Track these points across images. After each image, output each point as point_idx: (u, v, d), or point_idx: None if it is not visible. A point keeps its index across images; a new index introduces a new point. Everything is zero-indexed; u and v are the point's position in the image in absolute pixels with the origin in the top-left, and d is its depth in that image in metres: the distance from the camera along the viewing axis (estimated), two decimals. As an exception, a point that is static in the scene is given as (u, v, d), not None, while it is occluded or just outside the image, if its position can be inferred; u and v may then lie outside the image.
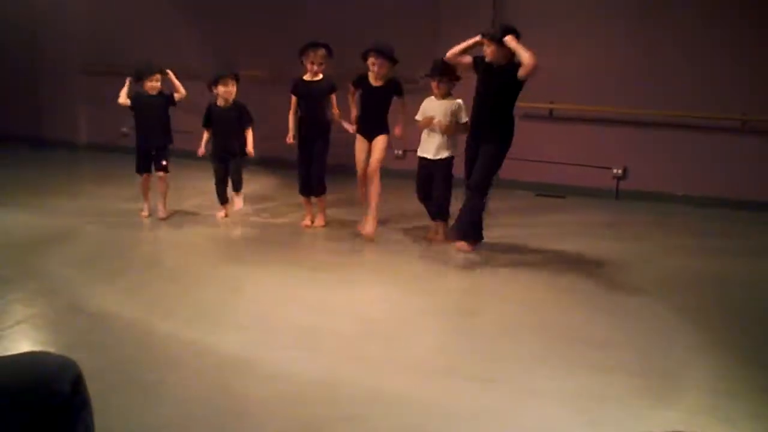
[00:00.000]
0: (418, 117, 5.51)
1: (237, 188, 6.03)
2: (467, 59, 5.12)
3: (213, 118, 5.93)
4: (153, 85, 5.82)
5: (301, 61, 5.61)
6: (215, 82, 5.78)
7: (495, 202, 5.40)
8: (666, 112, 7.59)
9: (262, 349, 3.43)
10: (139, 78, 5.86)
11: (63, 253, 4.96)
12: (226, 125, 5.89)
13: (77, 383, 1.74)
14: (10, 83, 9.91)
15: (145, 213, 6.02)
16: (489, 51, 4.92)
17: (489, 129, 5.01)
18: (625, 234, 6.45)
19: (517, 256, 5.12)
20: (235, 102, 5.90)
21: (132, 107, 5.91)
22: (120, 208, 6.30)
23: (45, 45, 9.63)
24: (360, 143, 5.70)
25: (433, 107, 5.43)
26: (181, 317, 3.81)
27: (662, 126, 7.68)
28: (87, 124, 9.40)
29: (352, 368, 3.28)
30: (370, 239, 5.55)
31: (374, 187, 5.65)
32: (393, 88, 5.55)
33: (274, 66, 5.62)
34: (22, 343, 3.44)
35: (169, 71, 5.94)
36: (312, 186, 5.80)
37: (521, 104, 5.46)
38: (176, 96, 5.92)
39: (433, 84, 5.41)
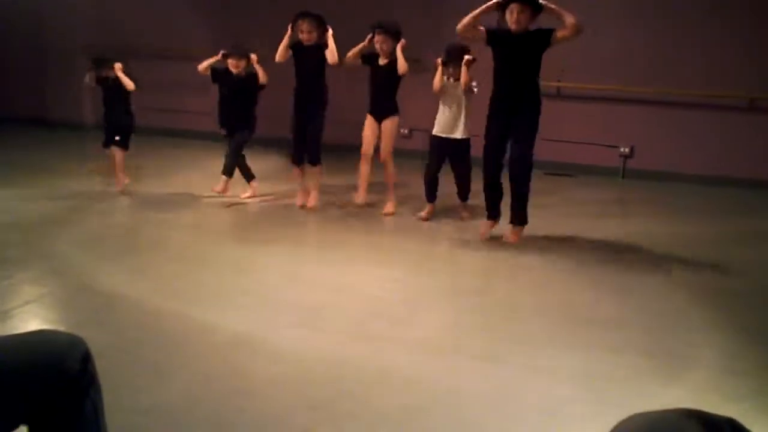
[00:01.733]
0: (436, 82, 5.41)
1: (224, 170, 5.97)
2: (480, 32, 4.76)
3: (222, 82, 5.95)
4: (109, 74, 6.02)
5: (296, 32, 5.59)
6: (225, 56, 5.88)
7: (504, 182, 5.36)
8: (673, 91, 7.56)
9: (268, 329, 3.44)
10: (96, 67, 6.08)
11: (70, 233, 4.98)
12: (236, 94, 5.92)
13: (86, 361, 1.75)
14: (15, 64, 9.92)
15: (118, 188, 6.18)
16: (524, 18, 4.58)
17: (521, 101, 4.76)
18: (632, 213, 6.44)
19: (525, 235, 5.10)
20: (248, 72, 5.92)
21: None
22: (126, 189, 6.31)
23: (50, 26, 9.61)
24: (369, 122, 5.72)
25: (449, 85, 5.44)
26: (187, 297, 3.83)
27: (669, 105, 7.64)
28: (93, 105, 9.33)
29: (359, 347, 3.29)
30: (390, 214, 5.71)
31: (389, 173, 5.77)
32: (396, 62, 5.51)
33: (275, 45, 5.57)
34: (32, 322, 3.46)
35: (118, 65, 6.03)
36: (305, 154, 5.76)
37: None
38: (127, 87, 6.03)
39: (446, 69, 5.38)
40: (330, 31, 5.59)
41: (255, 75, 5.90)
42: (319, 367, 3.06)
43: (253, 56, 5.92)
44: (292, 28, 5.59)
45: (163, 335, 3.33)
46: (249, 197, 6.12)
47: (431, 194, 5.65)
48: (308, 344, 3.29)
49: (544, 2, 4.56)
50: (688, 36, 7.45)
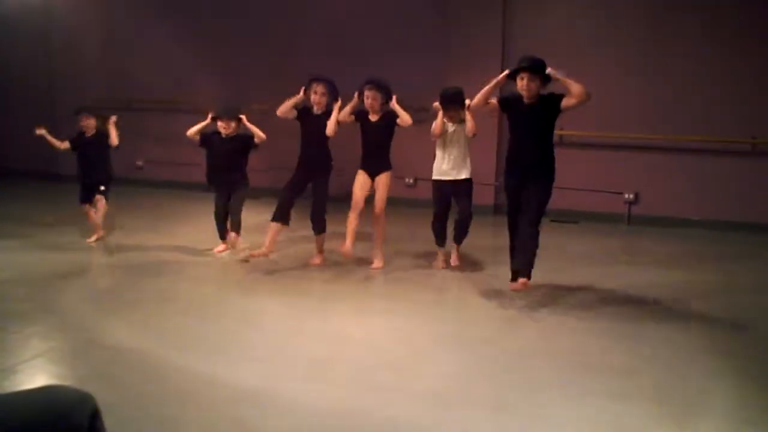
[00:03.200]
0: (437, 127, 5.47)
1: (235, 228, 6.02)
2: (492, 104, 4.95)
3: (210, 146, 5.99)
4: (87, 124, 6.30)
5: (308, 96, 5.61)
6: (214, 119, 5.92)
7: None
8: (676, 136, 7.64)
9: (276, 381, 3.42)
10: (77, 113, 6.37)
11: (78, 287, 5.00)
12: (224, 157, 5.93)
13: (94, 417, 1.75)
14: (27, 120, 10.05)
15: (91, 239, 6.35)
16: (532, 85, 4.68)
17: (536, 166, 4.80)
18: (638, 259, 6.43)
19: (531, 283, 5.08)
20: (237, 133, 5.95)
21: (74, 147, 6.42)
22: (132, 242, 6.38)
23: (61, 81, 9.81)
24: (361, 177, 5.65)
25: (448, 127, 5.50)
26: (194, 350, 3.82)
27: (672, 150, 7.71)
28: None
29: (367, 398, 3.26)
30: (378, 269, 5.65)
31: (380, 228, 5.70)
32: (390, 118, 5.55)
33: (280, 101, 5.63)
34: (39, 376, 3.45)
35: (113, 118, 6.28)
36: (312, 222, 5.75)
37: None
38: (112, 142, 6.25)
39: (447, 115, 5.44)
40: (339, 103, 5.60)
41: (245, 136, 5.90)
42: (328, 420, 3.04)
43: (243, 117, 5.95)
44: (306, 90, 5.59)
45: (170, 389, 3.32)
46: (221, 251, 6.11)
47: (441, 239, 5.67)
48: (316, 397, 3.26)
49: (551, 71, 4.64)
50: (689, 82, 7.56)
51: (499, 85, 4.91)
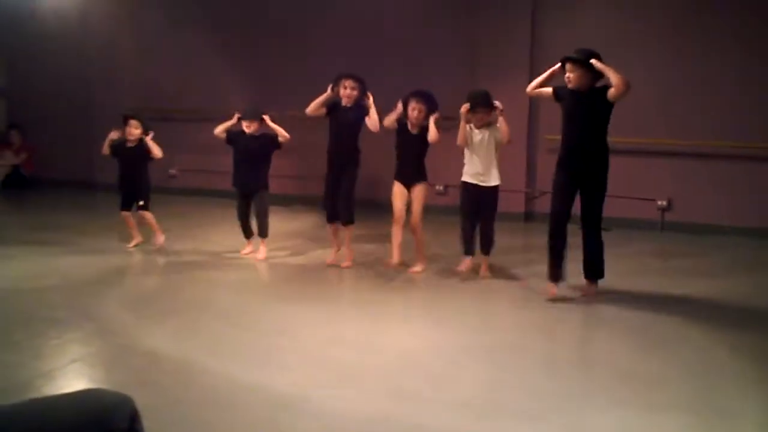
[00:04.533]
0: (460, 136, 5.49)
1: (261, 233, 6.16)
2: (547, 91, 4.98)
3: (236, 143, 6.18)
4: (132, 132, 6.39)
5: (336, 92, 5.67)
6: (239, 120, 6.18)
7: (541, 237, 5.36)
8: (709, 142, 7.53)
9: (308, 388, 3.45)
10: (127, 119, 6.46)
11: (116, 293, 5.10)
12: (248, 154, 6.13)
13: (134, 420, 1.79)
14: (65, 131, 10.32)
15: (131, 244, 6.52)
16: (574, 77, 4.73)
17: (588, 158, 4.80)
18: (672, 267, 6.35)
19: (563, 290, 5.06)
20: (262, 132, 6.16)
21: (114, 154, 6.56)
22: (169, 249, 6.49)
23: (97, 93, 10.00)
24: (398, 189, 5.69)
25: (474, 134, 5.48)
26: (230, 356, 3.87)
27: (706, 156, 7.61)
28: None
29: (398, 406, 3.27)
30: (419, 272, 5.70)
31: (419, 239, 5.72)
32: (427, 132, 5.54)
33: (308, 104, 5.71)
34: (78, 381, 3.53)
35: (149, 135, 6.40)
36: (338, 213, 5.81)
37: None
38: (153, 154, 6.38)
39: (473, 117, 5.42)
40: (371, 98, 5.67)
41: (269, 135, 6.14)
42: (360, 426, 3.05)
43: (266, 117, 6.19)
44: (333, 87, 5.67)
45: (207, 395, 3.37)
46: (248, 254, 6.26)
47: (469, 248, 5.62)
48: (347, 403, 3.29)
49: (593, 62, 4.64)
50: (723, 87, 7.45)
51: (554, 75, 4.94)
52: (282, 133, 6.06)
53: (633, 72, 7.52)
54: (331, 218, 5.87)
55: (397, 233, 5.72)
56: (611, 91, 4.62)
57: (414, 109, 5.52)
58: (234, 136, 6.21)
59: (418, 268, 5.73)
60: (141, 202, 6.48)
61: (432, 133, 5.49)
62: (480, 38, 8.24)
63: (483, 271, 5.63)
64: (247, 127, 6.15)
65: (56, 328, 4.26)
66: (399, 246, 5.74)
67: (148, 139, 6.39)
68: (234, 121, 6.21)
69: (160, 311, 4.73)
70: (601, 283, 5.35)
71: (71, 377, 3.58)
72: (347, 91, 5.64)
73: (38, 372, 3.59)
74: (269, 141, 6.14)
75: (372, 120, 5.61)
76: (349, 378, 3.60)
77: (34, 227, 7.56)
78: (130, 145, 6.43)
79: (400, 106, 5.60)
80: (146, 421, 1.84)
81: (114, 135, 6.50)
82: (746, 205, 7.47)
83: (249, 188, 6.19)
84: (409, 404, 3.30)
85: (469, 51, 8.29)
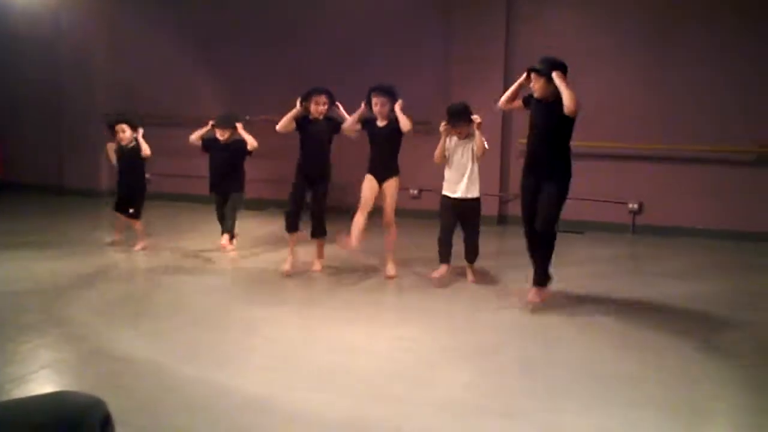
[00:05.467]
0: (437, 154, 5.52)
1: (226, 227, 6.36)
2: (517, 103, 5.08)
3: (211, 151, 6.39)
4: (123, 136, 6.48)
5: (306, 107, 5.67)
6: (213, 127, 6.38)
7: (515, 239, 5.39)
8: (680, 146, 7.65)
9: (285, 390, 3.43)
10: (109, 125, 6.60)
11: (87, 298, 5.02)
12: (222, 162, 6.35)
13: (106, 422, 1.75)
14: (36, 134, 10.16)
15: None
16: (537, 86, 4.81)
17: (547, 166, 4.85)
18: (644, 270, 6.43)
19: (545, 291, 5.08)
20: (234, 139, 6.36)
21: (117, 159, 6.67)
22: (142, 253, 6.44)
23: (69, 97, 9.87)
24: (369, 182, 5.67)
25: (453, 147, 5.50)
26: (204, 360, 3.83)
27: (676, 160, 7.73)
28: (108, 173, 9.52)
29: (377, 408, 3.26)
30: (393, 278, 5.68)
31: (390, 237, 5.75)
32: (397, 123, 5.55)
33: (284, 112, 5.68)
34: (49, 385, 3.46)
35: (140, 130, 6.52)
36: (312, 227, 5.81)
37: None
38: (143, 153, 6.47)
39: (454, 130, 5.45)
40: (340, 106, 5.75)
41: (242, 141, 6.31)
42: (338, 429, 3.04)
43: (239, 125, 6.37)
44: (302, 102, 5.65)
45: (180, 399, 3.32)
46: (225, 246, 6.34)
47: (446, 255, 5.60)
48: (324, 406, 3.27)
49: (554, 75, 4.69)
50: (694, 92, 7.58)
51: (522, 86, 4.99)
52: (251, 142, 6.26)
53: (605, 75, 7.71)
54: (293, 228, 5.74)
55: (359, 218, 5.56)
56: (564, 108, 4.65)
57: (377, 104, 5.58)
58: (209, 143, 6.39)
59: (392, 272, 5.72)
60: (131, 210, 6.56)
61: (403, 122, 5.51)
62: (454, 41, 8.27)
63: (470, 278, 5.63)
64: (221, 135, 6.35)
65: (28, 332, 4.19)
66: (359, 230, 5.52)
67: (139, 137, 6.47)
68: (208, 128, 6.38)
69: (133, 315, 4.66)
70: (575, 286, 5.40)
71: (42, 382, 3.52)
72: (319, 108, 5.66)
73: (9, 377, 3.51)
74: (240, 149, 6.33)
75: (347, 122, 5.64)
76: (326, 380, 3.58)
77: (5, 232, 7.42)
78: (128, 145, 6.51)
79: (363, 106, 5.65)
80: (119, 426, 1.81)
81: (112, 146, 6.64)
82: (717, 207, 7.60)
83: (225, 192, 6.40)
84: (387, 406, 3.29)
85: (443, 55, 8.33)
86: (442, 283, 5.53)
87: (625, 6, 7.77)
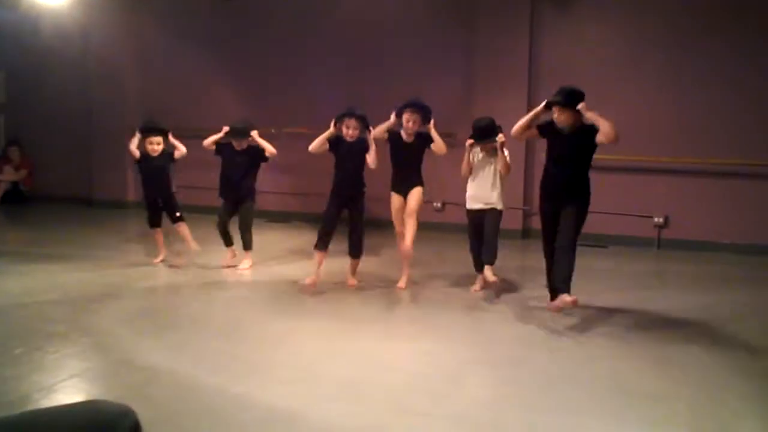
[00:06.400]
0: (464, 168, 5.55)
1: (246, 246, 6.30)
2: (533, 132, 5.08)
3: (224, 156, 6.31)
4: (154, 148, 6.37)
5: (338, 128, 5.66)
6: (227, 135, 6.27)
7: (538, 254, 5.37)
8: (705, 159, 7.57)
9: (307, 403, 3.45)
10: (142, 133, 6.45)
11: (115, 309, 5.10)
12: (235, 168, 6.27)
13: (136, 430, 1.79)
14: (66, 147, 10.36)
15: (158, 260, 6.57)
16: (563, 118, 4.80)
17: (568, 193, 4.87)
18: (670, 284, 6.37)
19: (570, 299, 5.06)
20: (249, 146, 6.27)
21: (140, 170, 6.55)
22: (167, 264, 6.53)
23: (98, 111, 10.04)
24: (395, 200, 5.73)
25: (478, 160, 5.53)
26: (228, 371, 3.87)
27: (702, 174, 7.65)
28: (136, 184, 9.65)
29: (398, 421, 3.27)
30: (402, 289, 5.70)
31: (410, 230, 5.62)
32: (423, 140, 5.60)
33: (315, 124, 5.73)
34: (76, 395, 3.53)
35: (170, 134, 6.45)
36: (350, 248, 5.81)
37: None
38: (176, 154, 6.41)
39: (480, 147, 5.48)
40: (372, 134, 5.65)
41: (256, 148, 6.25)
42: (359, 441, 3.06)
43: (254, 133, 6.28)
44: (335, 124, 5.65)
45: (204, 409, 3.37)
46: (231, 266, 6.38)
47: (477, 266, 5.62)
48: (347, 418, 3.28)
49: (581, 108, 4.70)
50: (720, 104, 7.51)
51: (538, 116, 5.00)
52: (269, 149, 6.20)
53: (630, 87, 7.67)
54: (324, 247, 5.71)
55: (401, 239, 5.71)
56: (600, 138, 4.67)
57: (409, 120, 5.58)
58: (222, 147, 6.33)
59: (402, 283, 5.74)
60: (178, 213, 6.51)
61: (439, 145, 5.55)
62: (478, 54, 8.29)
63: (489, 278, 5.47)
64: (237, 145, 6.27)
65: (55, 342, 4.27)
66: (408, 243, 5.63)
67: (171, 139, 6.43)
68: (222, 134, 6.30)
69: (157, 327, 4.73)
70: (599, 299, 5.38)
71: (70, 391, 3.58)
72: (351, 131, 5.62)
73: (37, 386, 3.59)
74: (256, 154, 6.26)
75: (371, 157, 5.60)
76: (347, 392, 3.60)
77: (35, 243, 7.57)
78: (153, 154, 6.40)
79: (393, 117, 5.66)
80: (145, 434, 1.84)
81: (135, 143, 6.46)
82: (743, 221, 7.51)
83: (235, 199, 6.32)
84: (408, 418, 3.30)
85: (467, 66, 8.35)
86: (481, 294, 5.57)
87: (652, 17, 7.73)
